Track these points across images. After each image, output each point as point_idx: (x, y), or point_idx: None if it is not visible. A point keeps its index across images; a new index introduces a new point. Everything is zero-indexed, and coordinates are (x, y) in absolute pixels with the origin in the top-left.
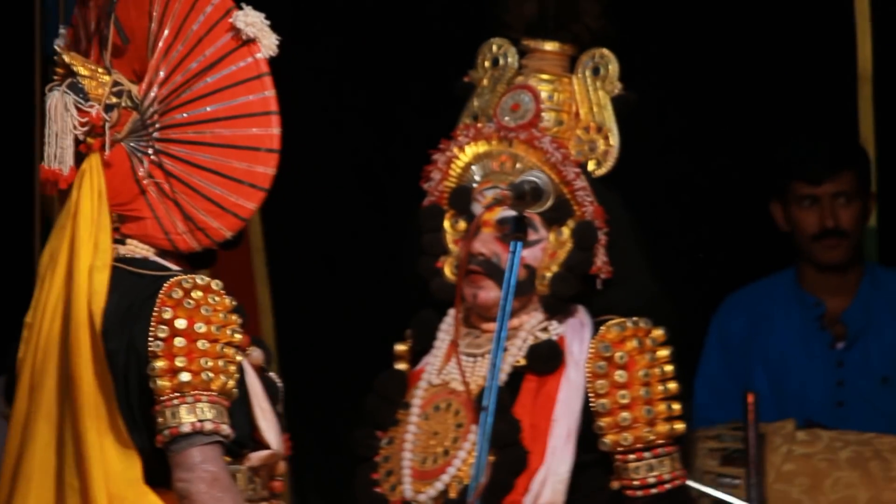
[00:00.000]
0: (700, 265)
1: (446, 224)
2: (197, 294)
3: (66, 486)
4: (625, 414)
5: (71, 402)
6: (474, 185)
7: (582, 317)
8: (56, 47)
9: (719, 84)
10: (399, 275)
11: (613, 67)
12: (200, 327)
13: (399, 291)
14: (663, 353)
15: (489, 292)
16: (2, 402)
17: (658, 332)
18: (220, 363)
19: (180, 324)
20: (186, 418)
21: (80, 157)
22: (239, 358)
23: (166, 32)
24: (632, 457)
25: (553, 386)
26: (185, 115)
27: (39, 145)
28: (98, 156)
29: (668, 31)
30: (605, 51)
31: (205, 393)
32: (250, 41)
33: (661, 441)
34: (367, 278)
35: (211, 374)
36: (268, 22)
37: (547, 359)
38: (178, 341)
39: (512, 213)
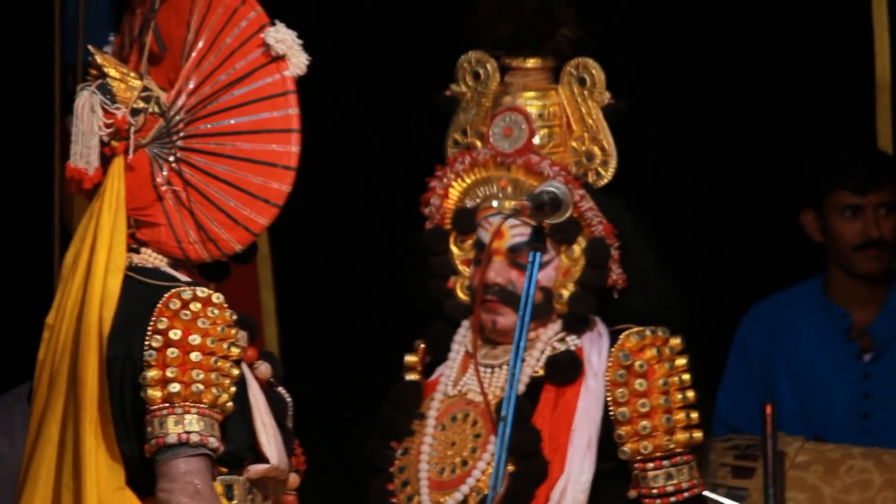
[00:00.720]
0: (715, 273)
1: (452, 245)
2: (195, 306)
3: (63, 486)
4: (644, 422)
5: (75, 405)
6: (475, 207)
7: (599, 328)
8: (90, 48)
9: (739, 92)
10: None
11: (599, 76)
12: (195, 339)
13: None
14: (681, 361)
15: (508, 318)
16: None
17: (676, 341)
18: (213, 376)
19: (175, 335)
20: (173, 429)
21: (106, 160)
22: (235, 372)
23: (201, 43)
24: (650, 465)
25: (572, 396)
26: (209, 125)
27: (59, 151)
28: (121, 159)
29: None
30: (589, 60)
31: (194, 405)
32: (280, 58)
33: (679, 450)
34: (372, 287)
35: (201, 387)
36: (300, 41)
37: (566, 369)
38: (172, 352)
39: (521, 238)
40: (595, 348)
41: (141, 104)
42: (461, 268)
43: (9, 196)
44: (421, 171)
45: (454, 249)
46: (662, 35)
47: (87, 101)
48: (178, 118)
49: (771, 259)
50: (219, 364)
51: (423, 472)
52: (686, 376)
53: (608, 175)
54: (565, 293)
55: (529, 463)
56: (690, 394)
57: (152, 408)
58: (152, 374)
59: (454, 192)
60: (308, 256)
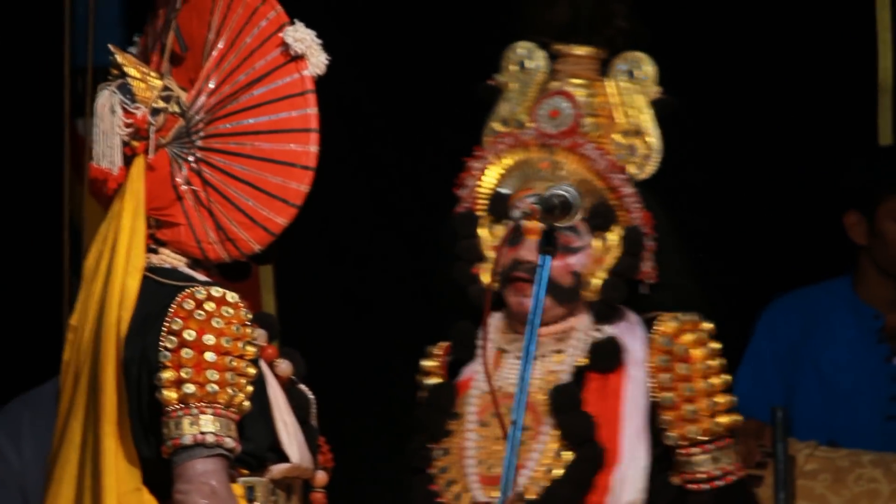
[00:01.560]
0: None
1: (482, 231)
2: (210, 306)
3: (85, 488)
4: (690, 406)
5: (95, 406)
6: (510, 191)
7: (631, 316)
8: (111, 47)
9: (742, 92)
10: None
11: (649, 70)
12: (209, 339)
13: (408, 301)
14: (716, 345)
15: None
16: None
17: (709, 325)
18: (229, 376)
19: (189, 335)
20: (189, 430)
21: (128, 160)
22: (251, 371)
23: (221, 43)
24: (696, 450)
25: (616, 383)
26: (228, 125)
27: (69, 153)
28: (142, 159)
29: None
30: (640, 53)
31: (210, 405)
32: (298, 57)
33: (723, 433)
34: (374, 287)
35: (216, 387)
36: (319, 40)
37: (610, 356)
38: (186, 352)
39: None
40: (631, 335)
41: (161, 104)
42: (489, 254)
43: (18, 198)
44: (427, 171)
45: (483, 235)
46: (673, 35)
47: (107, 100)
48: (197, 118)
49: (779, 257)
50: (234, 364)
51: (472, 468)
52: (722, 360)
53: (648, 170)
54: (595, 281)
55: (587, 450)
56: (727, 377)
57: (168, 409)
58: (167, 375)
59: (490, 176)
60: (309, 257)
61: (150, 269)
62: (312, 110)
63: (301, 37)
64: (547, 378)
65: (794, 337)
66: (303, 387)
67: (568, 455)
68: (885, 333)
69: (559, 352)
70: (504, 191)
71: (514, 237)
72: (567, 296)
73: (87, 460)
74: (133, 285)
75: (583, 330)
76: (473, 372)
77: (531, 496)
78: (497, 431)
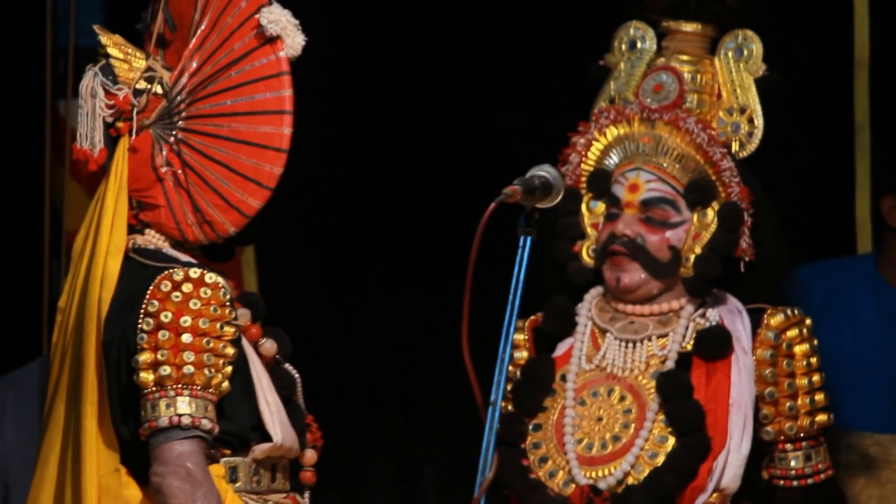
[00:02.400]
0: None
1: (583, 207)
2: (187, 287)
3: (67, 469)
4: (790, 403)
5: (77, 388)
6: (613, 167)
7: (735, 303)
8: (95, 28)
9: None
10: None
11: (757, 48)
12: (186, 321)
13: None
14: (815, 342)
15: (633, 275)
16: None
17: (810, 322)
18: (205, 357)
19: (166, 317)
20: (165, 413)
21: (114, 142)
22: (230, 351)
23: (204, 24)
24: (790, 447)
25: (723, 371)
26: (207, 106)
27: (50, 134)
28: (126, 140)
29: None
30: (749, 32)
31: (186, 387)
32: (275, 39)
33: (817, 431)
34: (355, 268)
35: (193, 369)
36: (295, 21)
37: (718, 344)
38: (163, 334)
39: (656, 193)
40: (739, 324)
41: (144, 84)
42: (590, 231)
43: None
44: (408, 152)
45: (585, 211)
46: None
47: (90, 82)
48: (179, 99)
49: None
50: (211, 345)
51: (570, 446)
52: (819, 357)
53: (750, 148)
54: (692, 257)
55: (694, 439)
56: (824, 374)
57: (145, 391)
58: (144, 357)
59: (594, 152)
60: (290, 237)
61: (136, 249)
62: (287, 92)
63: (276, 18)
64: (650, 362)
65: (812, 312)
66: (288, 366)
67: (672, 441)
68: None
69: (662, 336)
70: (605, 168)
71: (612, 212)
72: (663, 270)
73: (70, 441)
74: (114, 266)
75: (687, 317)
76: (573, 348)
77: (633, 481)
78: (596, 411)
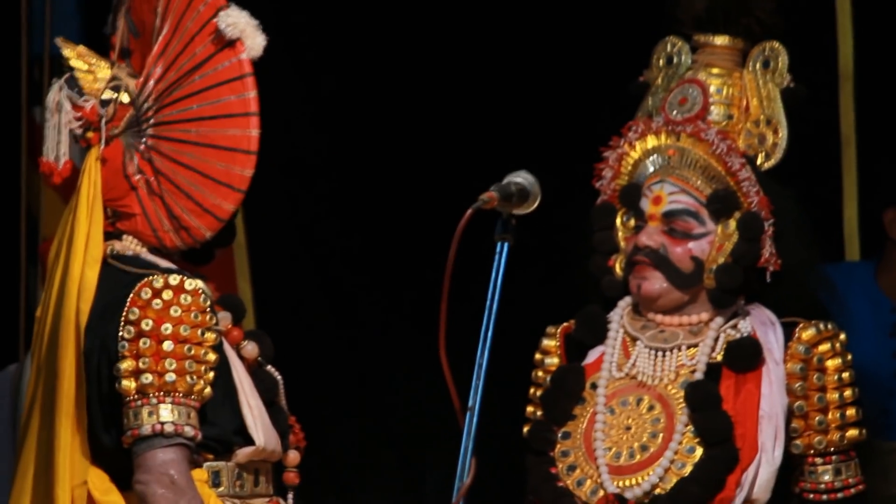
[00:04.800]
0: None
1: (618, 222)
2: (167, 294)
3: (40, 480)
4: (820, 417)
5: (52, 399)
6: (643, 180)
7: (768, 314)
8: (58, 41)
9: None
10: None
11: (783, 60)
12: (167, 328)
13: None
14: (849, 357)
15: (654, 283)
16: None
17: (844, 336)
18: (187, 364)
19: (147, 325)
20: (147, 420)
21: (84, 153)
22: (211, 357)
23: (166, 29)
24: (820, 460)
25: (754, 383)
26: (175, 112)
27: (26, 142)
28: (96, 151)
29: None
30: (776, 43)
31: (169, 395)
32: (234, 41)
33: (848, 445)
34: (349, 274)
35: (174, 376)
36: (255, 21)
37: (749, 356)
38: (144, 342)
39: (679, 205)
40: (771, 335)
41: (110, 94)
42: (623, 245)
43: None
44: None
45: (619, 226)
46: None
47: (55, 95)
48: (146, 105)
49: None
50: (193, 352)
51: (601, 456)
52: (853, 372)
53: (775, 159)
54: (715, 268)
55: (723, 450)
56: (856, 389)
57: (127, 399)
58: (126, 365)
59: (626, 166)
60: (284, 244)
61: (114, 255)
62: (252, 94)
63: (234, 21)
64: (679, 371)
65: None
66: (270, 368)
67: (700, 452)
68: None
69: (692, 346)
70: (637, 181)
71: (638, 225)
72: (685, 281)
73: (43, 455)
74: (92, 277)
75: (716, 329)
76: (601, 354)
77: (660, 492)
78: (625, 420)
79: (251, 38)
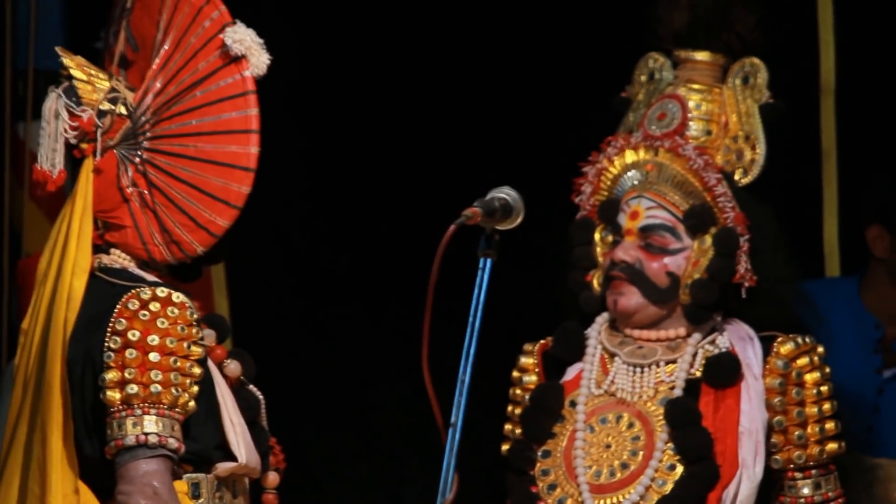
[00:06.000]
0: None
1: (596, 237)
2: (154, 306)
3: (28, 491)
4: (799, 432)
5: (43, 409)
6: (621, 196)
7: (746, 329)
8: (58, 50)
9: None
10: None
11: (763, 76)
12: (154, 340)
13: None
14: (827, 370)
15: (630, 298)
16: None
17: (822, 350)
18: (173, 376)
19: (133, 335)
20: (131, 431)
21: (78, 163)
22: (196, 371)
23: (167, 44)
24: (800, 475)
25: (733, 398)
26: (173, 126)
27: (9, 156)
28: (90, 161)
29: None
30: (756, 59)
31: (153, 406)
32: (239, 58)
33: (827, 459)
34: (328, 290)
35: (160, 388)
36: (259, 40)
37: (728, 372)
38: (130, 353)
39: (655, 220)
40: (749, 350)
41: (107, 105)
42: (601, 260)
43: None
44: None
45: (598, 241)
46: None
47: (53, 103)
48: (143, 119)
49: None
50: (178, 364)
51: (581, 474)
52: (831, 385)
53: (752, 175)
54: (690, 283)
55: (702, 467)
56: (835, 403)
57: (111, 410)
58: (111, 375)
59: (605, 182)
60: (263, 260)
61: (101, 268)
62: (253, 111)
63: (240, 38)
64: (658, 388)
65: None
66: (252, 387)
67: (680, 469)
68: (882, 345)
69: (671, 362)
70: (616, 197)
71: (616, 239)
72: (661, 296)
73: (33, 465)
74: (79, 286)
75: (694, 344)
76: (582, 373)
77: None
78: (605, 438)
79: (256, 55)
